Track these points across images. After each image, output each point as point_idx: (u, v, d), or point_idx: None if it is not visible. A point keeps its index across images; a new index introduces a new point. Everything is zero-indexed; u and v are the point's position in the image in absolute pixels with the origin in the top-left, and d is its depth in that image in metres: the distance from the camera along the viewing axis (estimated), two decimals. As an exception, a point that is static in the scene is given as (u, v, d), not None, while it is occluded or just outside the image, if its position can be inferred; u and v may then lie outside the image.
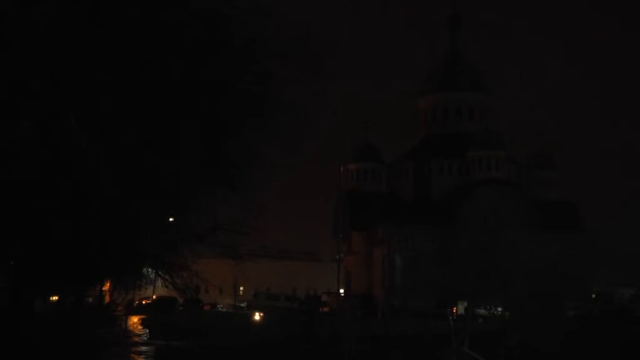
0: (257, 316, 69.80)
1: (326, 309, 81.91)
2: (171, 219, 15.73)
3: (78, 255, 13.10)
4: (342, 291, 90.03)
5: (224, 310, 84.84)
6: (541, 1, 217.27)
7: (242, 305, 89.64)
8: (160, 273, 16.02)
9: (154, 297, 73.19)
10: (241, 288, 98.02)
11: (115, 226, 12.95)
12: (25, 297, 14.17)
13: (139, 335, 57.66)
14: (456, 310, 60.35)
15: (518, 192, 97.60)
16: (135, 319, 65.93)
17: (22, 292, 13.96)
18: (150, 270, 16.61)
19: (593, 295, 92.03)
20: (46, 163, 11.99)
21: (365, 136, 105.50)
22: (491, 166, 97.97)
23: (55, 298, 16.49)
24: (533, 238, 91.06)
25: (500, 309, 70.22)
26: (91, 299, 16.72)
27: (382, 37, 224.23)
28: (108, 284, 17.48)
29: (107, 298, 17.13)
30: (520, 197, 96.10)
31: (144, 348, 48.75)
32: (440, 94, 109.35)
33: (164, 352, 48.61)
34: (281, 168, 16.41)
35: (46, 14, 11.61)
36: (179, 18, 12.87)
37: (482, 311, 71.24)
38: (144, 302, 74.80)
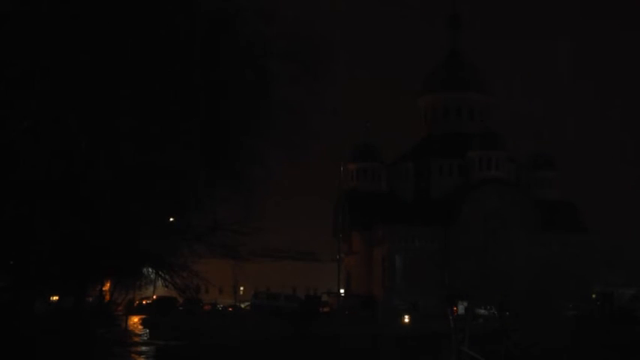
0: (407, 319, 69.47)
1: (326, 309, 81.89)
2: (171, 219, 15.72)
3: (78, 255, 13.10)
4: (342, 291, 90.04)
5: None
6: (542, 1, 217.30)
7: (242, 305, 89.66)
8: (160, 273, 16.01)
9: (154, 297, 73.20)
10: (241, 288, 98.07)
11: (115, 226, 12.95)
12: (25, 297, 14.17)
13: (139, 335, 57.66)
14: (456, 310, 60.37)
15: (518, 192, 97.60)
16: (135, 319, 65.94)
17: (22, 292, 13.96)
18: (150, 270, 16.61)
19: (594, 295, 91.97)
20: (46, 163, 11.99)
21: (365, 136, 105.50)
22: (491, 166, 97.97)
23: (55, 298, 16.49)
24: (533, 238, 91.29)
25: (498, 309, 70.29)
26: (91, 299, 16.72)
27: (382, 37, 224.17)
28: (108, 284, 17.48)
29: (107, 298, 17.13)
30: (520, 197, 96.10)
31: (144, 348, 48.76)
32: (440, 94, 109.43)
33: (164, 352, 48.61)
34: (281, 168, 16.41)
35: (47, 14, 11.61)
36: (180, 19, 12.87)
37: (482, 311, 71.30)
38: (144, 302, 74.80)
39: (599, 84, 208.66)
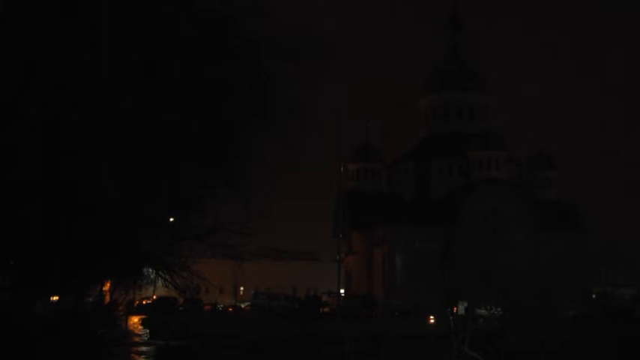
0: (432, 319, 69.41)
1: (326, 309, 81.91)
2: (171, 219, 15.71)
3: (78, 255, 13.10)
4: (342, 291, 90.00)
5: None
6: (542, 1, 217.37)
7: (243, 305, 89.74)
8: (160, 273, 15.99)
9: (155, 297, 73.26)
10: (241, 288, 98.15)
11: (115, 226, 12.94)
12: (25, 297, 14.18)
13: (140, 335, 57.70)
14: (456, 310, 60.35)
15: (519, 192, 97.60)
16: (135, 319, 65.96)
17: (22, 292, 13.96)
18: (150, 270, 16.59)
19: (594, 295, 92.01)
20: (46, 162, 12.00)
21: (366, 136, 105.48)
22: (491, 166, 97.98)
23: (55, 298, 16.49)
24: (533, 238, 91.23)
25: (499, 309, 70.22)
26: (91, 299, 16.70)
27: (383, 37, 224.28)
28: (108, 284, 17.46)
29: (107, 299, 17.12)
30: (520, 197, 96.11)
31: (144, 348, 48.79)
32: (440, 94, 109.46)
33: (164, 352, 48.62)
34: (281, 168, 16.39)
35: (48, 15, 11.62)
36: (180, 18, 12.88)
37: (482, 311, 71.26)
38: (144, 302, 74.85)
39: (600, 84, 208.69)
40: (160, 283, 16.67)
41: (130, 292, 18.39)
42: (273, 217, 19.53)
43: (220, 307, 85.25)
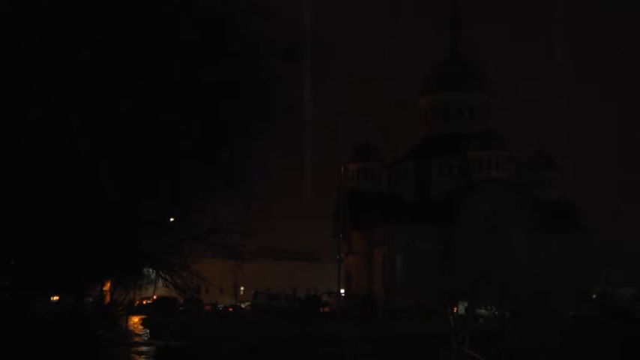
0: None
1: (326, 309, 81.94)
2: (171, 219, 15.70)
3: (78, 255, 13.10)
4: (342, 291, 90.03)
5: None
6: (541, 1, 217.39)
7: (243, 305, 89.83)
8: (160, 273, 15.98)
9: (155, 297, 73.30)
10: (242, 288, 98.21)
11: (115, 226, 12.94)
12: (25, 297, 14.17)
13: (140, 335, 57.74)
14: (457, 310, 60.36)
15: (519, 192, 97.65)
16: (135, 319, 65.98)
17: (22, 292, 13.96)
18: (150, 270, 16.58)
19: (594, 295, 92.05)
20: (46, 162, 12.00)
21: (366, 136, 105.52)
22: (491, 166, 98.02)
23: (55, 298, 16.48)
24: (533, 238, 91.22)
25: (498, 310, 70.21)
26: (91, 299, 16.70)
27: (382, 37, 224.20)
28: (108, 284, 17.46)
29: (107, 299, 17.11)
30: (520, 197, 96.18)
31: (144, 348, 48.81)
32: (440, 94, 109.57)
33: (164, 352, 48.64)
34: (281, 168, 16.37)
35: (48, 15, 11.63)
36: (180, 18, 12.88)
37: (482, 311, 71.29)
38: (144, 302, 74.89)
39: (600, 84, 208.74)
40: (160, 283, 16.65)
41: (130, 292, 18.36)
42: (273, 217, 19.50)
43: (220, 307, 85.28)
